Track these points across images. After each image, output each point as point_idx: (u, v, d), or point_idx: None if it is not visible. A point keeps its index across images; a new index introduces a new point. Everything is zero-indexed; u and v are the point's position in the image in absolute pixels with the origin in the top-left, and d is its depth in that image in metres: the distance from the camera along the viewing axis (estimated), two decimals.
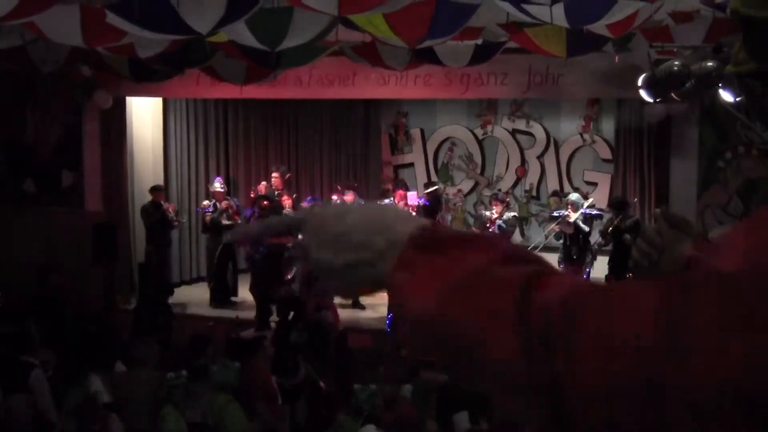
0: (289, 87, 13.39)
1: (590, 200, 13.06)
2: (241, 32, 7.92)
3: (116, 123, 14.29)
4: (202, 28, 7.14)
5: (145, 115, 14.87)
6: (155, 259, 13.81)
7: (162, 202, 13.90)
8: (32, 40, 9.01)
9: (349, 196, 13.60)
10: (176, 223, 14.11)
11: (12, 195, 14.62)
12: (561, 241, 12.66)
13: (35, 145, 14.54)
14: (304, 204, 13.50)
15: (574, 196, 12.87)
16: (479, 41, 10.15)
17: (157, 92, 14.00)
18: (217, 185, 14.37)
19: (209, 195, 14.62)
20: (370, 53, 10.57)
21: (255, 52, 8.79)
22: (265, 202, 13.16)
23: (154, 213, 13.80)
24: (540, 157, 15.85)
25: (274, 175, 14.39)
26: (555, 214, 12.86)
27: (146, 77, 11.56)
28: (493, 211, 12.94)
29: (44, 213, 14.37)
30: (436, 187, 15.17)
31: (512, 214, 13.15)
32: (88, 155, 14.34)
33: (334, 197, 14.09)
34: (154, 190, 14.06)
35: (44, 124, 14.48)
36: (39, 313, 10.36)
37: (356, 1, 6.80)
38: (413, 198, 13.60)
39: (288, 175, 14.81)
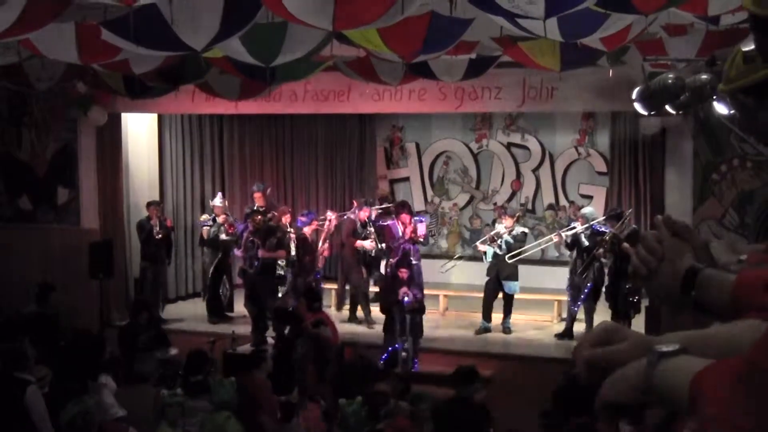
0: (284, 102, 13.41)
1: (604, 217, 13.06)
2: (236, 48, 7.93)
3: (112, 139, 14.31)
4: (197, 45, 7.15)
5: (140, 131, 14.88)
6: (150, 274, 13.79)
7: (152, 217, 13.87)
8: (28, 57, 9.02)
9: (365, 212, 13.49)
10: (159, 236, 13.96)
11: (7, 212, 14.62)
12: (569, 255, 12.65)
13: (31, 162, 14.55)
14: (302, 219, 13.41)
15: (587, 210, 12.86)
16: (473, 55, 10.17)
17: (152, 108, 14.02)
18: (218, 200, 14.32)
19: (207, 209, 14.57)
20: (364, 68, 10.58)
21: (250, 68, 8.80)
22: (259, 217, 13.14)
23: (146, 228, 13.79)
24: (535, 170, 15.86)
25: (256, 195, 14.17)
26: (572, 226, 12.85)
27: (141, 94, 11.56)
28: (503, 226, 12.87)
29: (40, 230, 14.37)
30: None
31: (522, 229, 13.05)
32: (84, 172, 14.34)
33: (350, 214, 13.92)
34: (149, 205, 14.05)
35: (40, 141, 14.49)
36: (37, 330, 10.35)
37: (351, 16, 6.81)
38: (422, 227, 12.78)
39: (269, 190, 14.69)
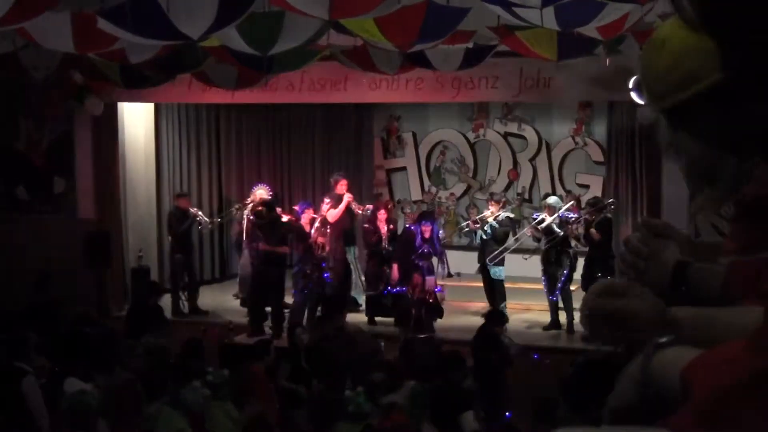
0: (281, 92, 13.37)
1: (570, 203, 13.08)
2: (233, 37, 7.93)
3: (108, 129, 14.27)
4: (194, 34, 7.15)
5: (137, 121, 14.85)
6: (185, 264, 13.72)
7: (190, 209, 13.80)
8: (24, 46, 9.00)
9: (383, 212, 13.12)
10: (210, 226, 14.04)
11: (4, 202, 14.59)
12: (540, 244, 12.64)
13: (27, 151, 14.51)
14: (296, 208, 13.33)
15: (552, 200, 12.87)
16: (470, 45, 10.17)
17: (148, 98, 13.99)
18: (263, 192, 13.90)
19: (204, 199, 14.41)
20: (361, 57, 10.58)
21: (246, 57, 8.79)
22: (261, 208, 13.00)
23: (184, 220, 13.65)
24: (532, 160, 15.86)
25: (342, 182, 13.33)
26: (534, 216, 12.89)
27: (138, 83, 11.55)
28: (489, 211, 12.92)
29: (36, 220, 14.34)
30: None
31: (506, 214, 13.08)
32: (80, 162, 14.31)
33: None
34: (180, 196, 14.01)
35: (36, 131, 14.46)
36: (36, 319, 10.35)
37: (347, 5, 6.81)
38: (431, 283, 12.19)
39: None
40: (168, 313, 12.69)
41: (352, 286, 13.39)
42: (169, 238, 14.03)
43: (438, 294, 12.48)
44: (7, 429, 7.23)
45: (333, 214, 13.06)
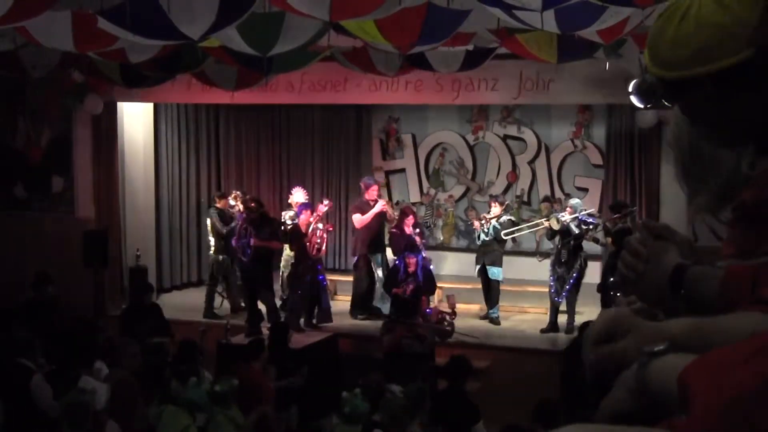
0: (281, 92, 13.38)
1: (591, 209, 13.05)
2: (233, 38, 7.93)
3: (107, 128, 14.27)
4: (194, 34, 7.15)
5: (136, 120, 14.85)
6: (228, 267, 13.58)
7: (231, 211, 13.57)
8: (23, 45, 9.00)
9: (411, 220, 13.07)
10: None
11: (2, 200, 14.59)
12: (553, 243, 12.63)
13: (26, 150, 14.50)
14: (296, 210, 13.27)
15: (574, 200, 12.87)
16: (470, 47, 10.18)
17: (148, 97, 13.99)
18: (301, 196, 13.44)
19: (205, 199, 14.24)
20: (361, 59, 10.59)
21: (246, 58, 8.79)
22: (253, 204, 12.88)
23: (226, 220, 13.38)
24: (531, 162, 15.85)
25: (374, 188, 13.26)
26: (561, 215, 12.83)
27: (138, 83, 11.54)
28: (491, 211, 12.92)
29: (34, 218, 14.34)
30: None
31: (508, 217, 13.08)
32: (79, 161, 14.30)
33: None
34: (220, 197, 13.80)
35: (35, 130, 14.45)
36: (34, 318, 10.36)
37: (348, 6, 6.81)
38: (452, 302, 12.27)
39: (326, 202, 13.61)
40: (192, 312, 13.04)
41: (375, 295, 13.24)
42: (212, 239, 13.68)
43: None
44: (17, 427, 7.25)
45: (360, 219, 12.99)
